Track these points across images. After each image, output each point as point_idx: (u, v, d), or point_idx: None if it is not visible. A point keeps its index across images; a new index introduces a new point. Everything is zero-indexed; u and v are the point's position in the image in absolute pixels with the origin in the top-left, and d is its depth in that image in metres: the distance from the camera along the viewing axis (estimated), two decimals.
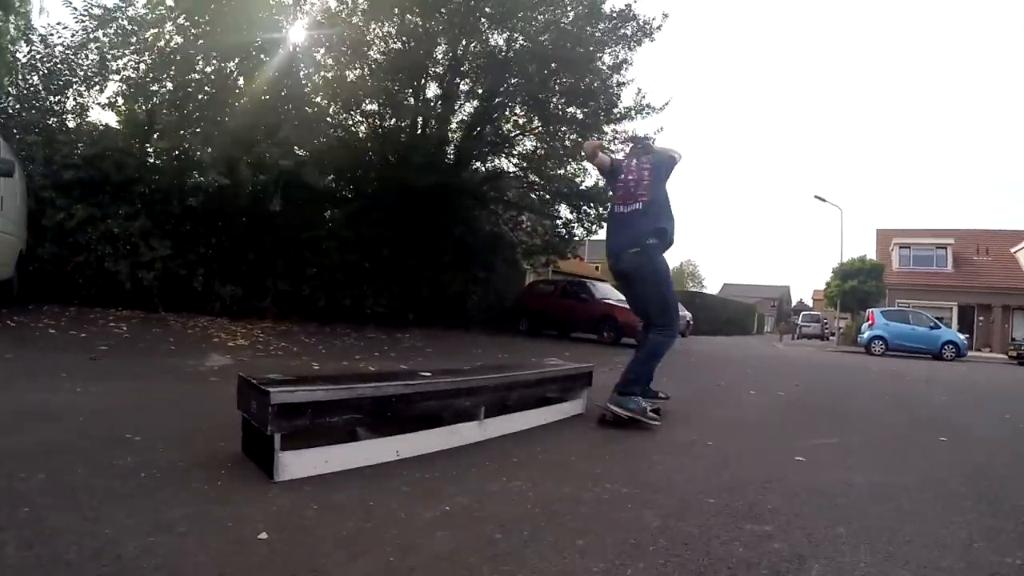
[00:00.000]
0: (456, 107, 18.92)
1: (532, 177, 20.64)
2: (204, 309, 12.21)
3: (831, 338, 37.43)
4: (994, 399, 9.24)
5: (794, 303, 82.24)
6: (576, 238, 22.10)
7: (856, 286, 33.62)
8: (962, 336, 24.41)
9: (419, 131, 18.06)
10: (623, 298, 17.97)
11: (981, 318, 36.46)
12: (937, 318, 25.97)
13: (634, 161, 5.00)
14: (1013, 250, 39.18)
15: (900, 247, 40.04)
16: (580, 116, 18.88)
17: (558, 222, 21.51)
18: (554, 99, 18.24)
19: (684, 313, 27.93)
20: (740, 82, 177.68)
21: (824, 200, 32.18)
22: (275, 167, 12.78)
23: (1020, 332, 35.38)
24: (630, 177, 4.92)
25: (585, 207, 20.59)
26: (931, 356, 22.77)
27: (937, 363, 20.04)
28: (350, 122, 17.94)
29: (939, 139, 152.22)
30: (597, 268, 41.95)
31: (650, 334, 4.93)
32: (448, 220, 17.53)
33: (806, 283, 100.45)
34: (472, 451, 3.62)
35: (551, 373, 4.85)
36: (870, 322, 24.37)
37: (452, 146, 19.10)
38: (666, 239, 4.79)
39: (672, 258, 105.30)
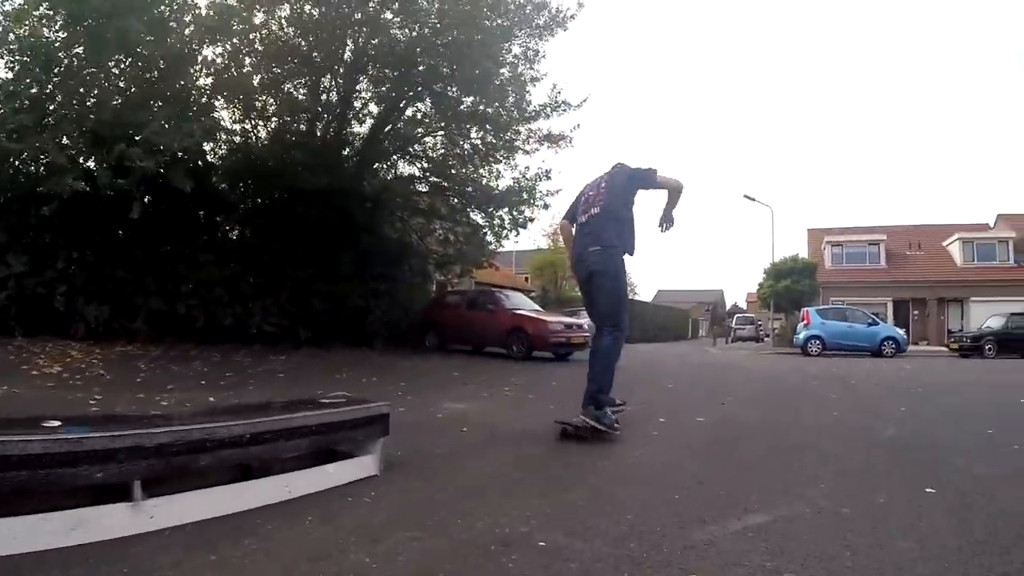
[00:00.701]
0: (357, 107, 17.77)
1: (440, 181, 19.37)
2: (67, 332, 10.99)
3: (766, 340, 36.68)
4: (965, 406, 7.98)
5: (728, 307, 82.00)
6: (490, 245, 20.83)
7: (789, 285, 32.72)
8: (900, 331, 23.63)
9: (317, 133, 16.84)
10: (538, 308, 16.74)
11: (916, 312, 36.28)
12: (873, 314, 25.11)
13: (600, 180, 5.27)
14: (945, 243, 39.12)
15: (832, 245, 39.62)
16: (489, 112, 17.54)
17: (468, 230, 20.13)
18: (457, 93, 16.99)
19: None
20: (664, 79, 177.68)
21: (754, 200, 31.49)
22: (137, 170, 11.11)
23: (955, 324, 35.33)
24: (590, 193, 5.28)
25: (498, 212, 19.32)
26: (870, 353, 21.82)
27: (879, 361, 19.09)
28: (245, 124, 16.56)
29: (863, 138, 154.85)
30: (527, 279, 40.86)
31: (600, 338, 5.05)
32: (347, 228, 16.00)
33: (740, 287, 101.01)
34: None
35: (299, 420, 3.14)
36: (805, 322, 23.37)
37: (352, 148, 17.87)
38: (625, 245, 5.06)
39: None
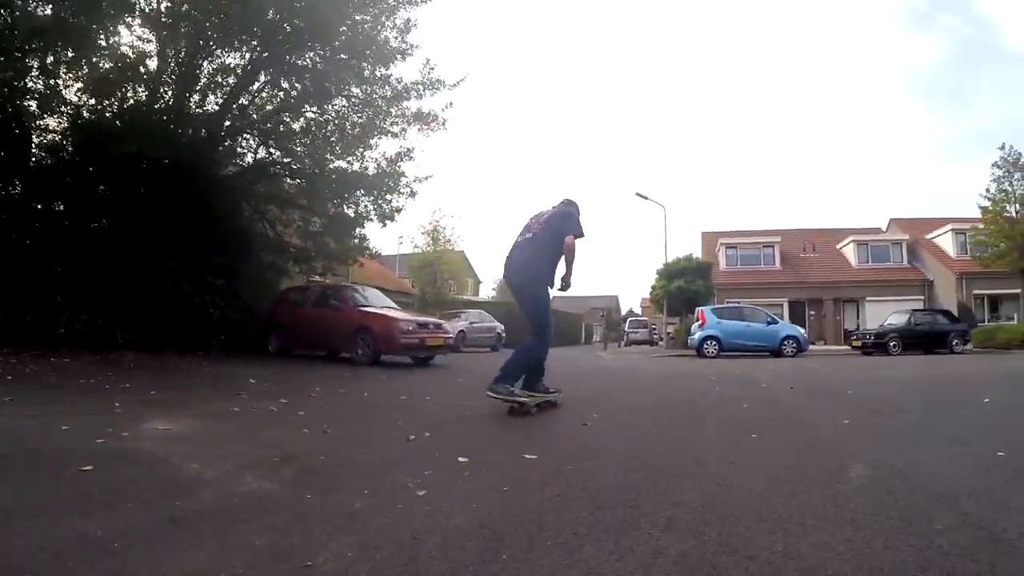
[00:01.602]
0: (203, 76, 15.23)
1: (296, 164, 16.88)
2: None
3: (660, 343, 35.22)
4: (900, 407, 6.41)
5: (623, 312, 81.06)
6: (355, 239, 18.47)
7: (683, 286, 30.70)
8: (801, 330, 22.37)
9: (157, 102, 14.25)
10: (390, 304, 14.27)
11: (812, 312, 35.81)
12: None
13: (545, 213, 6.12)
14: (839, 246, 39.24)
15: (727, 247, 38.92)
16: (352, 86, 15.69)
17: (327, 221, 17.81)
18: (315, 62, 14.96)
19: (494, 325, 24.72)
20: (552, 64, 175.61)
21: (646, 198, 29.89)
22: None
23: (851, 323, 35.27)
24: (533, 219, 6.10)
25: (362, 201, 17.30)
26: (770, 354, 20.47)
27: (781, 361, 17.50)
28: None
29: (755, 144, 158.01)
30: (413, 285, 38.17)
31: (527, 340, 5.99)
32: (184, 213, 13.33)
33: (635, 293, 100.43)
34: None
35: None
36: (700, 322, 21.74)
37: (198, 122, 15.16)
38: (546, 279, 5.93)
39: (496, 271, 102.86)
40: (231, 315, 14.77)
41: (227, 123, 15.56)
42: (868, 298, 35.35)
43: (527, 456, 3.83)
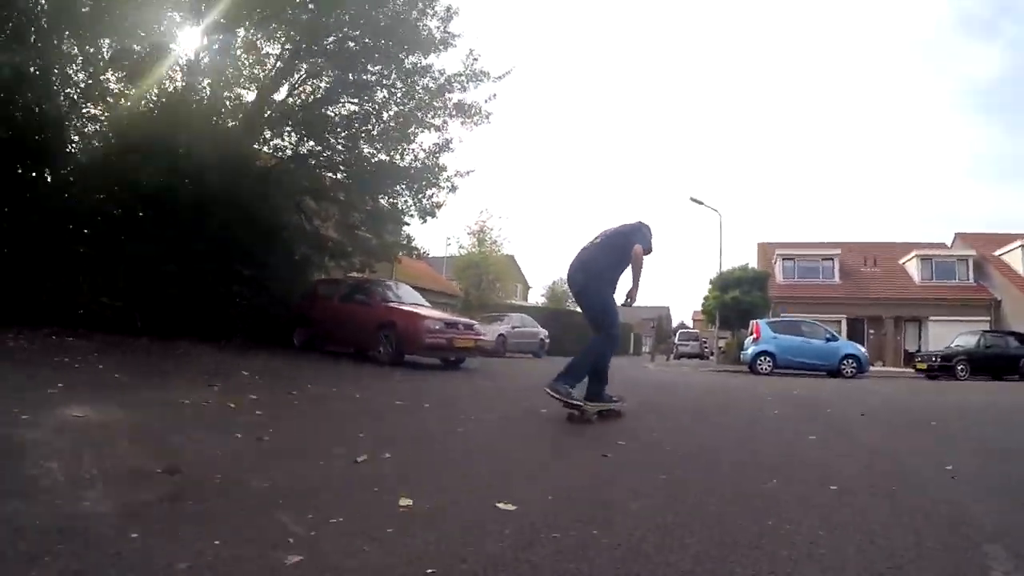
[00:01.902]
0: (243, 66, 15.21)
1: (337, 157, 16.30)
2: None
3: (711, 357, 33.66)
4: None
5: (675, 324, 79.26)
6: (393, 236, 17.89)
7: (738, 297, 28.95)
8: (862, 348, 20.84)
9: (195, 90, 13.92)
10: (422, 302, 13.38)
11: (872, 331, 33.83)
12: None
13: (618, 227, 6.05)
14: (901, 261, 37.19)
15: (784, 259, 37.18)
16: (393, 77, 15.14)
17: (365, 215, 17.35)
18: (356, 52, 14.52)
19: (538, 330, 23.77)
20: (608, 64, 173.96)
21: (701, 203, 28.57)
22: None
23: (912, 344, 33.53)
24: (601, 231, 6.11)
25: (402, 195, 16.68)
26: (827, 373, 19.15)
27: (841, 382, 16.12)
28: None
29: (813, 153, 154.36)
30: (462, 289, 37.02)
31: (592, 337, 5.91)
32: (215, 202, 12.74)
33: (686, 304, 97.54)
34: None
35: None
36: (755, 335, 20.47)
37: (237, 112, 15.03)
38: (610, 277, 5.88)
39: (547, 277, 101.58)
40: (258, 306, 14.19)
41: (265, 114, 15.12)
42: (931, 317, 33.43)
43: (501, 506, 2.71)
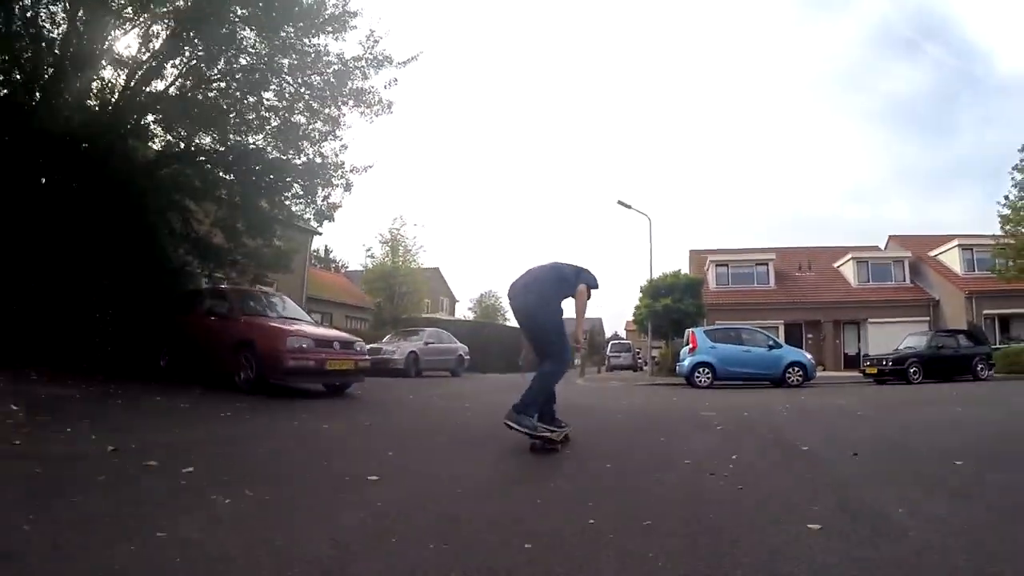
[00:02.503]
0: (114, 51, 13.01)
1: (219, 151, 14.21)
2: None
3: (644, 368, 31.92)
4: None
5: (608, 335, 77.80)
6: (287, 244, 16.04)
7: (670, 304, 26.91)
8: (808, 355, 19.22)
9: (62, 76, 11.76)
10: (303, 318, 10.09)
11: (811, 335, 32.82)
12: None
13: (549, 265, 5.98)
14: (836, 264, 36.74)
15: (717, 265, 35.98)
16: (284, 62, 13.45)
17: (256, 219, 15.04)
18: (238, 32, 12.85)
19: (455, 346, 21.72)
20: (534, 63, 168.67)
21: (629, 207, 26.65)
22: None
23: (852, 348, 32.98)
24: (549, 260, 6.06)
25: (295, 196, 14.91)
26: (771, 383, 17.56)
27: (790, 394, 14.39)
28: None
29: (740, 163, 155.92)
30: (375, 304, 34.27)
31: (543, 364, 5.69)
32: (73, 204, 11.21)
33: (619, 316, 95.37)
34: None
35: None
36: (691, 346, 18.45)
37: (103, 97, 13.01)
38: (555, 299, 5.79)
39: (474, 290, 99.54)
40: (123, 325, 12.00)
41: (138, 101, 13.03)
42: (870, 319, 32.81)
43: None
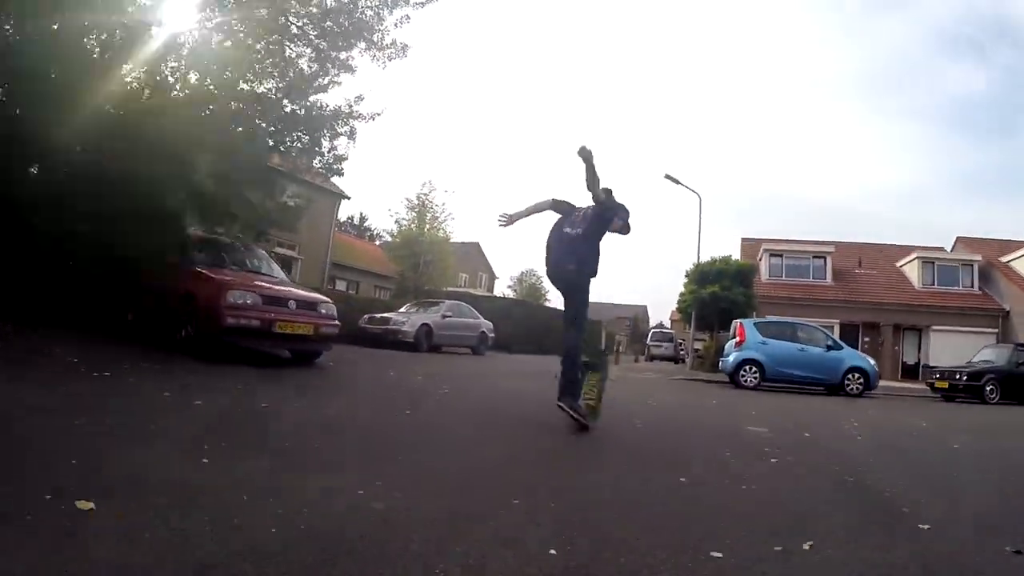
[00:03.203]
0: None
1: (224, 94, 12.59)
2: None
3: (685, 360, 29.48)
4: None
5: (652, 324, 75.19)
6: (289, 200, 14.91)
7: (717, 292, 24.51)
8: (871, 360, 16.69)
9: None
10: (277, 276, 7.53)
11: (867, 339, 29.92)
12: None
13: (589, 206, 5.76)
14: (899, 264, 33.68)
15: (771, 254, 33.23)
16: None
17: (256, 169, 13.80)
18: None
19: (478, 322, 19.95)
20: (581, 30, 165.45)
21: (678, 182, 24.29)
22: None
23: (911, 356, 30.26)
24: (577, 215, 5.80)
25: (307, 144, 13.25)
26: (825, 389, 15.40)
27: (852, 404, 12.35)
28: None
29: (796, 156, 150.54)
30: (398, 273, 31.85)
31: (565, 335, 5.68)
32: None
33: (665, 304, 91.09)
34: None
35: None
36: (739, 339, 16.20)
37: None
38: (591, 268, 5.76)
39: (514, 268, 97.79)
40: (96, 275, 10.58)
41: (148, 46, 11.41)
42: (933, 327, 29.90)
43: None
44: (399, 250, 29.60)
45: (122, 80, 11.53)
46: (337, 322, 9.31)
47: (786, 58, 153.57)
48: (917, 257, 32.46)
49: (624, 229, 5.84)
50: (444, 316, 18.54)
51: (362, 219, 63.08)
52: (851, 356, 15.95)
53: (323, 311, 9.02)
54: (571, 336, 5.59)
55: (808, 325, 17.30)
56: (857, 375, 15.27)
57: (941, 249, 35.31)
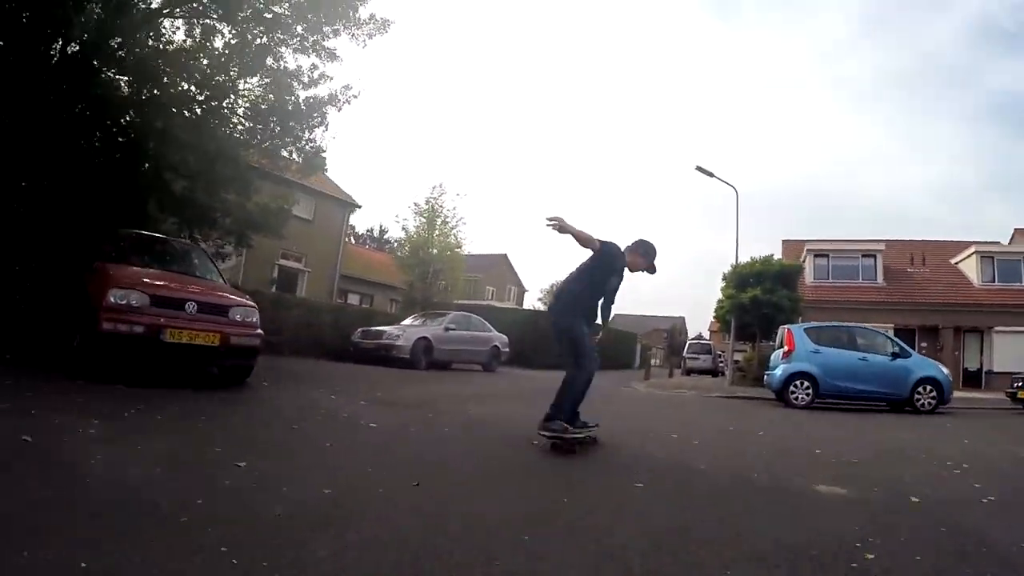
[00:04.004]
0: None
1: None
2: None
3: (724, 373, 26.89)
4: None
5: (691, 336, 72.01)
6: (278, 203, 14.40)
7: (759, 296, 21.58)
8: (944, 368, 14.24)
9: None
10: (211, 279, 9.22)
11: (924, 344, 26.97)
12: None
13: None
14: (954, 260, 30.86)
15: (815, 255, 30.64)
16: None
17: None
18: None
19: (489, 335, 18.09)
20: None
21: (711, 175, 22.19)
22: None
23: (972, 361, 27.75)
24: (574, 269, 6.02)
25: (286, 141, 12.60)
26: (887, 405, 13.28)
27: (932, 426, 10.19)
28: None
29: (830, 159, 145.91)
30: (406, 283, 28.64)
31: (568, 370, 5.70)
32: None
33: (703, 315, 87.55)
34: None
35: None
36: (787, 348, 13.69)
37: None
38: (579, 310, 5.81)
39: (543, 280, 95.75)
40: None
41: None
42: (997, 328, 27.30)
43: None
44: (407, 259, 27.32)
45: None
46: (259, 331, 7.49)
47: (818, 56, 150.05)
48: (975, 252, 29.64)
49: (650, 269, 5.93)
50: (448, 329, 16.71)
51: (382, 231, 61.67)
52: (920, 364, 13.56)
53: (237, 316, 7.25)
54: (571, 373, 5.61)
55: (868, 329, 14.98)
56: (929, 387, 12.95)
57: (998, 243, 32.51)
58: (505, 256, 55.14)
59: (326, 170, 13.75)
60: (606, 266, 5.71)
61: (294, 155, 12.75)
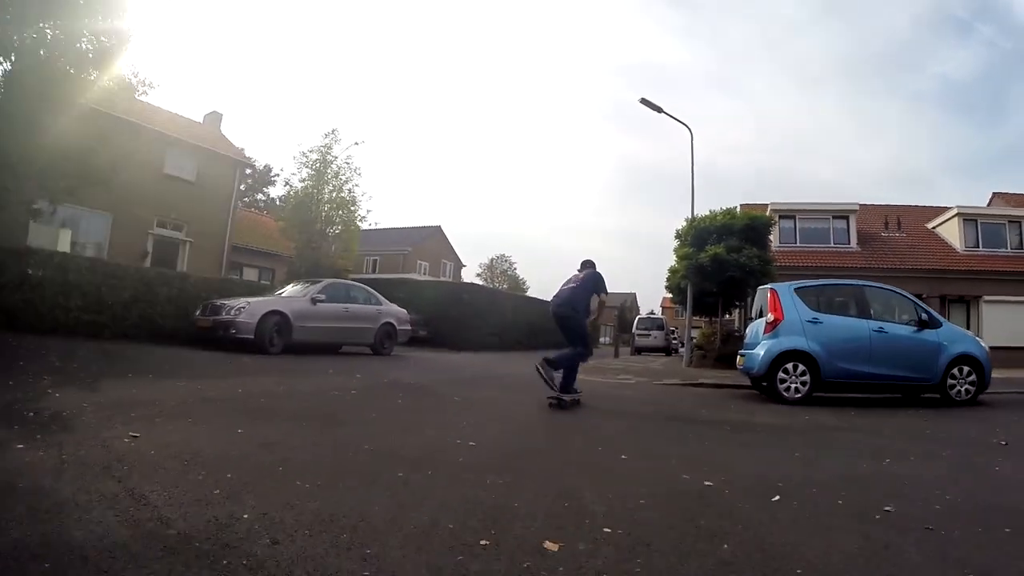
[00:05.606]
0: None
1: None
2: None
3: (680, 351, 22.99)
4: None
5: (643, 313, 68.38)
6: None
7: (722, 255, 17.28)
8: (983, 343, 10.04)
9: None
10: None
11: None
12: None
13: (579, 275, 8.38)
14: (932, 225, 27.97)
15: (781, 216, 26.91)
16: None
17: None
18: None
19: (379, 310, 14.27)
20: None
21: (660, 110, 18.55)
22: None
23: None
24: (572, 276, 8.41)
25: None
26: (904, 393, 9.83)
27: (978, 425, 7.20)
28: None
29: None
30: (293, 249, 24.10)
31: (570, 349, 7.95)
32: None
33: (655, 297, 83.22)
34: None
35: None
36: (772, 317, 9.68)
37: None
38: (584, 310, 8.14)
39: (484, 255, 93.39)
40: None
41: None
42: (985, 296, 24.59)
43: None
44: (291, 219, 22.97)
45: None
46: None
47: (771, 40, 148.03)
48: (958, 214, 26.71)
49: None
50: (315, 301, 12.74)
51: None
52: (954, 336, 9.69)
53: None
54: (574, 350, 7.91)
55: (883, 288, 10.90)
56: (967, 368, 9.29)
57: (980, 207, 29.13)
58: (439, 228, 51.05)
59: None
60: (596, 287, 8.20)
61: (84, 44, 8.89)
